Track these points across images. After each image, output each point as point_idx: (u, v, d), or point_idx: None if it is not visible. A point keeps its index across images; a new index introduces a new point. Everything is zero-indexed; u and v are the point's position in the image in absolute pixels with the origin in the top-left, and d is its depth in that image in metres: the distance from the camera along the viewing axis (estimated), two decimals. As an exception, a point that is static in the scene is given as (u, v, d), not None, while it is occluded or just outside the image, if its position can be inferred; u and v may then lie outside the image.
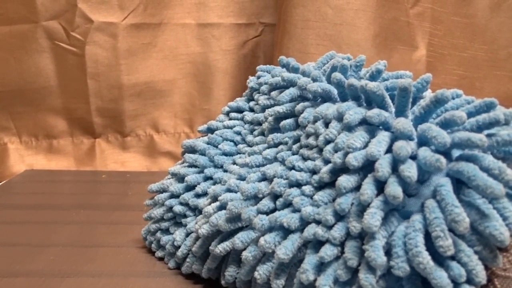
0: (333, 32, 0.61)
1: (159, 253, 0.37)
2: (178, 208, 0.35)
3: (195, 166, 0.36)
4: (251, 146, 0.35)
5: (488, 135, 0.24)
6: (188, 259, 0.33)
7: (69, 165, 0.70)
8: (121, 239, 0.41)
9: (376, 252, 0.21)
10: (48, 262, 0.37)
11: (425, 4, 0.66)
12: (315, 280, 0.24)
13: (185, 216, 0.35)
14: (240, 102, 0.39)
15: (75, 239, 0.42)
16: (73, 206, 0.51)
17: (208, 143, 0.37)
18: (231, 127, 0.38)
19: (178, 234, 0.34)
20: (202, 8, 0.69)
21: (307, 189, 0.26)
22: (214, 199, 0.31)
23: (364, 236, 0.23)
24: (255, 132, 0.35)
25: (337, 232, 0.23)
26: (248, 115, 0.37)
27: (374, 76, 0.30)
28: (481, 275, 0.21)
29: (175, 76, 0.71)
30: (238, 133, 0.37)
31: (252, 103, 0.38)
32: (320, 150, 0.27)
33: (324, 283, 0.23)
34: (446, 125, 0.24)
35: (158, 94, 0.71)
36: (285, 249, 0.25)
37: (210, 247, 0.30)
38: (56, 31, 0.66)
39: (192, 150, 0.38)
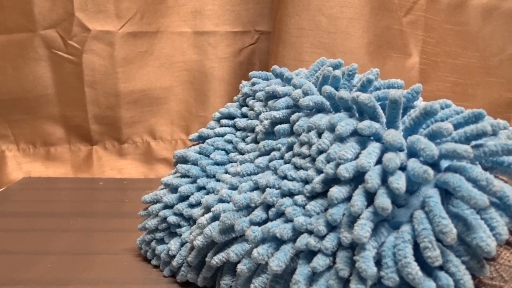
0: (328, 40, 0.62)
1: (154, 262, 0.38)
2: (172, 219, 0.35)
3: (188, 177, 0.36)
4: (242, 154, 0.35)
5: (476, 146, 0.24)
6: (183, 268, 0.34)
7: (67, 172, 0.71)
8: (118, 247, 0.42)
9: (366, 263, 0.22)
10: (45, 270, 0.37)
11: (418, 12, 0.67)
12: None
13: (179, 226, 0.35)
14: (231, 108, 0.39)
15: (72, 247, 0.42)
16: (70, 213, 0.51)
17: (200, 153, 0.37)
18: (222, 135, 0.38)
19: (173, 244, 0.34)
20: (198, 17, 0.70)
21: (299, 199, 0.27)
22: (207, 209, 0.31)
23: (355, 246, 0.23)
24: (248, 139, 0.36)
25: (329, 242, 0.24)
26: (241, 122, 0.37)
27: (365, 85, 0.31)
28: (469, 285, 0.22)
29: (171, 84, 0.71)
30: (229, 142, 0.37)
31: (244, 109, 0.38)
32: (313, 160, 0.28)
33: None
34: (434, 136, 0.25)
35: (155, 102, 0.71)
36: (278, 261, 0.25)
37: (206, 259, 0.31)
38: (54, 40, 0.66)
39: (184, 160, 0.38)
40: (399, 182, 0.22)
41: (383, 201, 0.22)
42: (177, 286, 0.35)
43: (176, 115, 0.73)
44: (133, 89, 0.70)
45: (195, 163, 0.37)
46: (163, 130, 0.73)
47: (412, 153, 0.25)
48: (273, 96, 0.35)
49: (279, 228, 0.26)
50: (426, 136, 0.25)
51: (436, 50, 0.68)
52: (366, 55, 0.64)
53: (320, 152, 0.27)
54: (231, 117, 0.39)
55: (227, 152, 0.37)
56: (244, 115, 0.38)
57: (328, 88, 0.29)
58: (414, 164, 0.23)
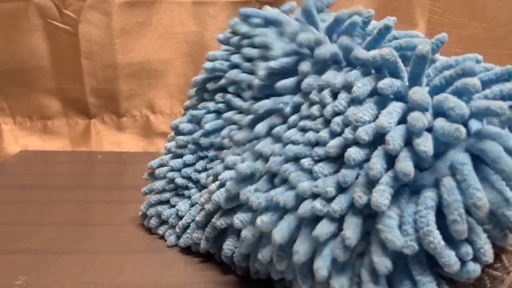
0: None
1: (160, 231, 0.37)
2: (180, 180, 0.36)
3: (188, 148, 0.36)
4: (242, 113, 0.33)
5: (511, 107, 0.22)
6: (190, 227, 0.34)
7: (64, 146, 0.69)
8: (118, 218, 0.41)
9: (393, 233, 0.20)
10: (44, 240, 0.36)
11: (425, -20, 0.65)
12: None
13: (187, 188, 0.36)
14: (217, 63, 0.34)
15: (71, 218, 0.41)
16: (68, 186, 0.50)
17: (191, 121, 0.36)
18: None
19: (182, 205, 0.35)
20: (197, -14, 0.68)
21: (306, 162, 0.24)
22: (216, 177, 0.31)
23: (365, 213, 0.22)
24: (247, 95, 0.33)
25: (338, 204, 0.22)
26: (231, 73, 0.33)
27: (382, 33, 0.27)
28: (489, 254, 0.20)
29: (170, 56, 0.70)
30: (220, 102, 0.35)
31: (235, 58, 0.33)
32: (326, 122, 0.25)
33: (321, 266, 0.21)
34: (459, 94, 0.22)
35: (154, 74, 0.70)
36: (282, 231, 0.23)
37: (212, 219, 0.30)
38: (48, 9, 0.64)
39: (178, 132, 0.37)
40: (426, 144, 0.20)
41: (406, 165, 0.20)
42: (179, 254, 0.34)
43: (175, 89, 0.71)
44: (131, 61, 0.68)
45: (189, 134, 0.36)
46: (162, 104, 0.71)
47: (438, 113, 0.22)
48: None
49: (282, 196, 0.24)
50: (451, 94, 0.22)
51: (442, 20, 0.66)
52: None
53: (336, 114, 0.25)
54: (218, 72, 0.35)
55: (220, 113, 0.35)
56: (234, 66, 0.34)
57: (345, 41, 0.27)
58: (442, 123, 0.21)
